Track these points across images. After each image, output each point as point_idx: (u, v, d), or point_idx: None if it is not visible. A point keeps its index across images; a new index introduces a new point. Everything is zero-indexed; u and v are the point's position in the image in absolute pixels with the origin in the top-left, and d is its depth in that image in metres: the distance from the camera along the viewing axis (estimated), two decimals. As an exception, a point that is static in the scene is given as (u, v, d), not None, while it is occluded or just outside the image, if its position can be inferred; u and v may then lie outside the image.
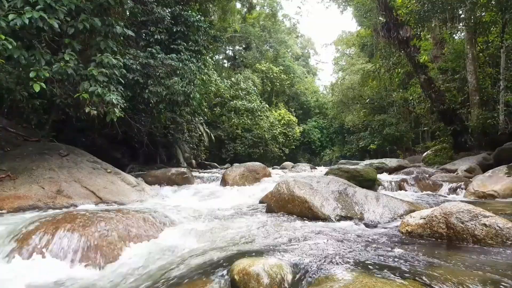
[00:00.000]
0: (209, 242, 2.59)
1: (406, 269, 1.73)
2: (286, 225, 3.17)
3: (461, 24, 12.82)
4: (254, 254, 2.08)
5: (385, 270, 1.70)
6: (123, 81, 6.09)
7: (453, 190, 6.10)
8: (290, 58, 39.42)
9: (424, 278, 1.58)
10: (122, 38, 6.71)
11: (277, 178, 7.93)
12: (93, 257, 2.35)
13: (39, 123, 8.01)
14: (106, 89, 5.34)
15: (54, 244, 2.37)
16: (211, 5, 15.62)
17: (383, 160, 11.93)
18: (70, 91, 5.89)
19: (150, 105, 9.43)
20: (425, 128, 20.20)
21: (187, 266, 2.04)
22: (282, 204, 3.81)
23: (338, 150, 33.66)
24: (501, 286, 1.52)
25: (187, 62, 9.22)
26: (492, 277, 1.62)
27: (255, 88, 27.55)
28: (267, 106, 28.69)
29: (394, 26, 14.49)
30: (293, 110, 36.88)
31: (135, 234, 2.73)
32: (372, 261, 1.90)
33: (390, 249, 2.22)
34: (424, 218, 2.65)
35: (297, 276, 1.72)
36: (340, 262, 1.84)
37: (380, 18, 15.24)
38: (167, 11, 9.62)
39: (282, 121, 32.17)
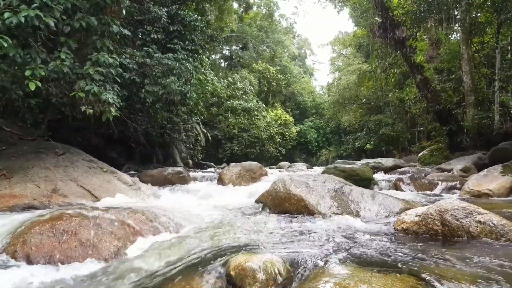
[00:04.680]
0: (205, 240, 2.59)
1: (401, 265, 1.75)
2: (282, 223, 3.18)
3: (456, 24, 12.91)
4: (250, 251, 2.08)
5: (380, 266, 1.72)
6: (119, 80, 6.07)
7: (449, 189, 6.14)
8: (286, 58, 39.47)
9: (419, 273, 1.60)
10: (118, 37, 6.68)
11: (273, 177, 7.93)
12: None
13: (35, 122, 7.97)
14: (102, 88, 5.32)
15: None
16: (207, 5, 15.59)
17: (379, 159, 11.98)
18: (66, 90, 5.86)
19: (147, 104, 9.40)
20: (421, 128, 20.29)
21: (184, 262, 2.05)
22: (279, 203, 3.81)
23: (334, 150, 33.74)
24: (495, 281, 1.53)
25: (184, 61, 9.20)
26: (485, 272, 1.64)
27: (252, 88, 27.58)
28: (264, 106, 28.74)
29: (390, 26, 14.55)
30: (289, 110, 36.94)
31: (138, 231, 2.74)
32: (368, 257, 1.91)
33: (385, 245, 2.23)
34: (419, 216, 2.66)
35: (293, 271, 1.73)
36: (336, 258, 1.85)
37: (376, 18, 15.28)
38: (163, 10, 9.60)
39: (278, 121, 32.22)
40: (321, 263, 1.77)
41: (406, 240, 2.40)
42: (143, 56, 8.48)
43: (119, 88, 6.10)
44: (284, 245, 2.24)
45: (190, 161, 16.88)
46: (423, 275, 1.57)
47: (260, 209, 4.07)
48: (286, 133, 32.64)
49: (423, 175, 7.58)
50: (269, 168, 15.04)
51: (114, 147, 11.57)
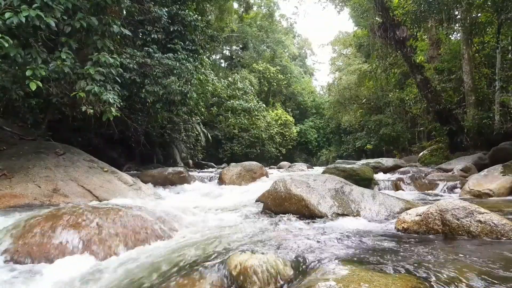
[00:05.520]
0: (205, 239, 2.60)
1: (402, 264, 1.75)
2: (282, 223, 3.19)
3: (457, 24, 12.89)
4: (251, 250, 2.08)
5: (381, 265, 1.72)
6: (119, 80, 6.08)
7: (449, 189, 6.14)
8: (287, 58, 39.45)
9: (419, 272, 1.60)
10: (119, 37, 6.69)
11: (274, 177, 7.94)
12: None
13: (35, 122, 7.98)
14: (103, 88, 5.33)
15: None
16: (208, 5, 15.59)
17: (379, 159, 11.96)
18: (66, 90, 5.88)
19: (147, 104, 9.41)
20: (421, 128, 20.26)
21: (185, 261, 2.05)
22: (279, 203, 3.81)
23: (334, 150, 33.74)
24: (495, 279, 1.53)
25: (184, 61, 9.21)
26: (486, 272, 1.64)
27: (252, 88, 27.55)
28: (264, 106, 28.70)
29: (391, 26, 14.54)
30: (290, 110, 36.94)
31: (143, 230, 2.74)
32: (368, 256, 1.91)
33: (386, 245, 2.24)
34: (420, 215, 2.66)
35: (294, 270, 1.73)
36: (337, 258, 1.86)
37: (376, 18, 15.27)
38: (164, 10, 9.60)
39: (279, 121, 32.24)
40: (321, 263, 1.77)
41: (407, 240, 2.40)
42: (144, 56, 8.49)
43: (119, 88, 6.10)
44: (285, 245, 2.24)
45: (190, 161, 16.89)
46: (424, 275, 1.58)
47: (261, 209, 4.08)
48: (286, 133, 32.66)
49: (423, 175, 7.58)
50: (269, 168, 15.05)
51: (115, 147, 11.58)
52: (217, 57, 34.40)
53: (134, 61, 8.16)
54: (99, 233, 2.53)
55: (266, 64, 33.76)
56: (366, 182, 6.39)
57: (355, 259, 1.86)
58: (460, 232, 2.41)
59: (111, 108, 5.48)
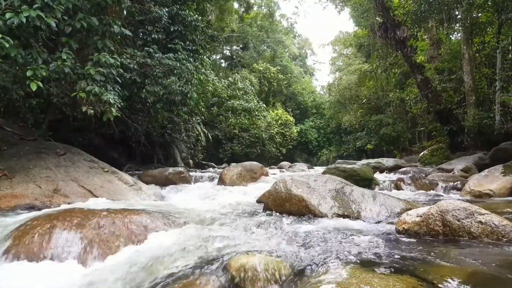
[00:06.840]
0: (206, 240, 2.59)
1: (402, 265, 1.75)
2: (283, 224, 3.18)
3: (457, 24, 12.89)
4: (251, 251, 2.08)
5: (382, 266, 1.72)
6: (120, 81, 6.08)
7: (450, 189, 6.14)
8: (287, 58, 39.46)
9: (420, 273, 1.60)
10: (119, 37, 6.69)
11: (274, 177, 7.93)
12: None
13: (36, 122, 7.98)
14: (103, 88, 5.33)
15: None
16: (208, 5, 15.61)
17: (380, 159, 11.98)
18: (67, 90, 5.87)
19: (147, 104, 9.41)
20: (421, 128, 20.26)
21: (185, 263, 2.05)
22: (280, 203, 3.81)
23: (335, 150, 33.75)
24: (496, 280, 1.53)
25: (185, 61, 9.20)
26: (487, 272, 1.64)
27: (253, 88, 27.54)
28: (265, 106, 28.71)
29: (391, 26, 14.55)
30: (290, 110, 36.93)
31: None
32: (369, 257, 1.91)
33: (386, 246, 2.23)
34: (420, 216, 2.66)
35: (294, 272, 1.74)
36: (337, 259, 1.86)
37: (377, 18, 15.30)
38: (164, 10, 9.60)
39: (279, 121, 32.23)
40: (322, 264, 1.77)
41: (408, 241, 2.40)
42: (144, 56, 8.48)
43: (120, 88, 6.11)
44: (285, 246, 2.25)
45: (190, 161, 16.87)
46: (424, 276, 1.57)
47: (261, 209, 4.08)
48: (287, 133, 32.65)
49: (424, 175, 7.57)
50: (270, 168, 15.04)
51: (115, 147, 11.57)
52: (218, 57, 34.42)
53: (135, 61, 8.15)
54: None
55: (267, 64, 33.76)
56: (366, 182, 6.39)
57: (356, 260, 1.86)
58: (460, 233, 2.40)
59: (112, 108, 5.48)
